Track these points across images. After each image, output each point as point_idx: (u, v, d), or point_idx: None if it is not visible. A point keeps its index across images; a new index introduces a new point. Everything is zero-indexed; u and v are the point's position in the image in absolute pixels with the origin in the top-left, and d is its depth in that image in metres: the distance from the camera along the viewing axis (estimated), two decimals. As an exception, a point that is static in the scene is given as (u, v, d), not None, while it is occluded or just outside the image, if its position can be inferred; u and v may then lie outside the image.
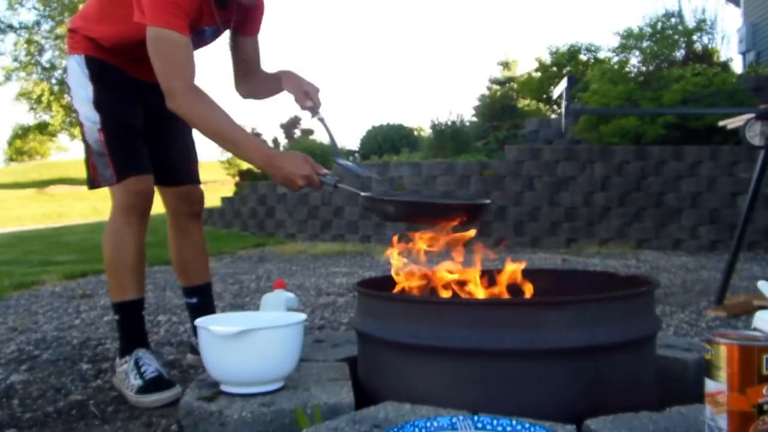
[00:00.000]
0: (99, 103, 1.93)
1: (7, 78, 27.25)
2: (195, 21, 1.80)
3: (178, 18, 1.68)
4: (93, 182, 1.97)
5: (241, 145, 1.68)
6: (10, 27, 27.10)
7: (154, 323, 3.06)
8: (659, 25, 8.64)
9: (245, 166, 11.69)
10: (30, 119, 28.60)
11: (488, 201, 1.83)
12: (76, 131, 26.87)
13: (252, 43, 2.11)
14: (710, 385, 1.08)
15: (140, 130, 1.99)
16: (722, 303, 3.25)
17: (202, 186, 2.25)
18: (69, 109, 27.50)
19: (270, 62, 2.47)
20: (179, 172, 2.15)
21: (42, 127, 28.02)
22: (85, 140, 1.98)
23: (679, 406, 1.35)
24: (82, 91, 1.95)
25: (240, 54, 2.11)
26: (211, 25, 1.91)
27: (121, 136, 1.94)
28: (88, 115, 1.94)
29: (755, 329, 1.65)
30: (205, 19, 1.86)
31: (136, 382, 1.83)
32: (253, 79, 2.14)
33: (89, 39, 1.94)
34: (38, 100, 27.10)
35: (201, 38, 1.93)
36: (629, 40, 8.54)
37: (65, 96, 27.66)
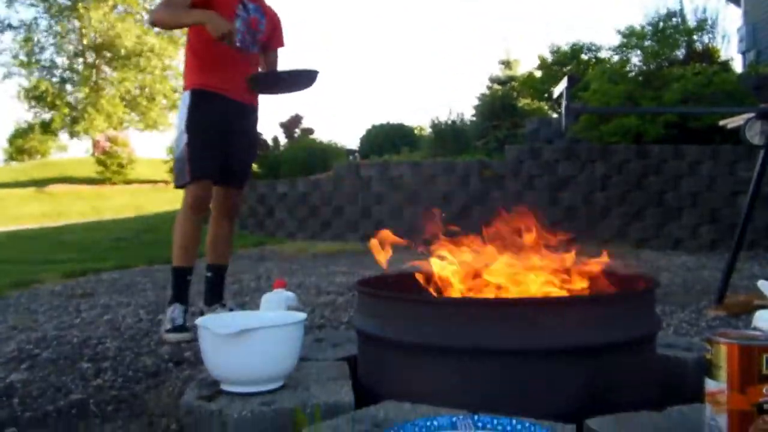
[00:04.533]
0: (189, 125, 2.60)
1: (6, 76, 27.27)
2: None
3: None
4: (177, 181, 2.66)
5: (187, 19, 2.49)
6: (10, 26, 27.10)
7: (154, 322, 3.06)
8: (660, 24, 8.64)
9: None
10: (31, 117, 28.54)
11: (317, 70, 2.53)
12: (80, 127, 26.85)
13: (274, 56, 2.87)
14: (710, 385, 1.08)
15: (216, 143, 2.62)
16: (722, 302, 3.24)
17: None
18: (70, 107, 27.52)
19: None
20: (228, 174, 2.72)
21: (44, 127, 27.99)
22: (174, 150, 2.71)
23: (679, 405, 1.35)
24: (181, 116, 2.62)
25: (265, 62, 2.85)
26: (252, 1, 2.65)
27: (198, 150, 2.58)
28: (181, 133, 2.62)
29: (755, 329, 1.65)
30: None
31: (168, 325, 2.61)
32: None
33: (196, 72, 2.64)
34: (40, 98, 27.07)
35: (246, 10, 2.62)
36: (631, 39, 8.53)
37: (66, 95, 27.69)
